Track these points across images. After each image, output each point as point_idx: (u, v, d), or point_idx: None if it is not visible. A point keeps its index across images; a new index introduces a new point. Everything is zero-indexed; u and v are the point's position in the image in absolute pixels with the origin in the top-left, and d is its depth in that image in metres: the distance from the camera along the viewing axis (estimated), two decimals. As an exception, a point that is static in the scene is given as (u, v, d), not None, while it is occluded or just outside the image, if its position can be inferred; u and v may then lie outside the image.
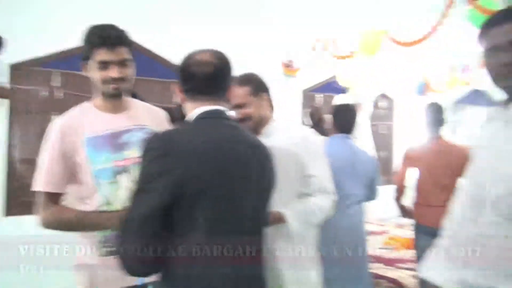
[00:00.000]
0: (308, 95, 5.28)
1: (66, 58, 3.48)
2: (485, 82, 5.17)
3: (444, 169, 2.48)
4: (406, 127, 5.95)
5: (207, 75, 1.14)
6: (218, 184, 1.04)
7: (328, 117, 2.75)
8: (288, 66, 4.51)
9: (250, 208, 1.13)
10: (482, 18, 2.62)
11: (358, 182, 2.39)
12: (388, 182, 4.74)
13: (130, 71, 1.42)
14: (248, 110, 1.58)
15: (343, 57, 3.85)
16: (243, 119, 1.57)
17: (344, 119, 2.48)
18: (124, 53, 1.39)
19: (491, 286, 1.07)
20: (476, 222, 1.17)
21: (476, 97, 6.06)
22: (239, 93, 1.57)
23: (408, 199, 2.79)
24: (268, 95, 1.67)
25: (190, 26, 3.87)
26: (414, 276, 2.97)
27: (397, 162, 5.90)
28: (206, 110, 1.15)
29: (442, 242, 1.30)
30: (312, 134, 1.71)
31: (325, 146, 2.34)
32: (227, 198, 1.07)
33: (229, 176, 1.07)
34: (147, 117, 1.51)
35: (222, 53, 1.20)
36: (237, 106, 1.57)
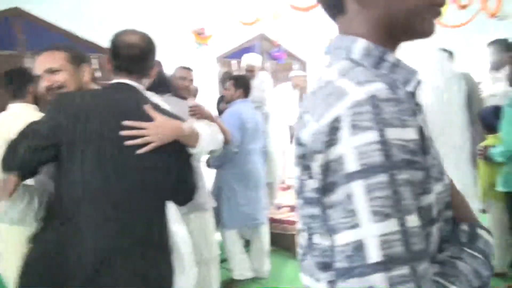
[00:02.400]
0: (224, 61, 5.41)
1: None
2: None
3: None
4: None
5: (133, 57, 1.32)
6: (90, 139, 1.18)
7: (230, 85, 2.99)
8: (199, 34, 4.58)
9: (128, 169, 1.22)
10: None
11: (259, 137, 2.90)
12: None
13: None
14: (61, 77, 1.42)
15: (250, 24, 4.01)
16: (56, 87, 1.41)
17: (244, 85, 2.88)
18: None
19: None
20: None
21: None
22: (54, 57, 1.42)
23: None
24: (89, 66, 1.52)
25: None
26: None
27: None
28: (116, 82, 1.34)
29: None
30: None
31: (233, 109, 2.64)
32: (98, 154, 1.19)
33: (103, 134, 1.20)
34: None
35: (149, 36, 1.38)
36: (50, 71, 1.40)
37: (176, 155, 1.33)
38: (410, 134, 0.52)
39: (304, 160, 0.60)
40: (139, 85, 1.38)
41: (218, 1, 4.24)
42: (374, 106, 0.52)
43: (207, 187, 2.34)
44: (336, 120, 0.53)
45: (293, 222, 3.64)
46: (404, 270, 0.49)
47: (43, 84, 1.41)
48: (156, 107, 1.35)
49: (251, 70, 3.71)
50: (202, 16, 4.41)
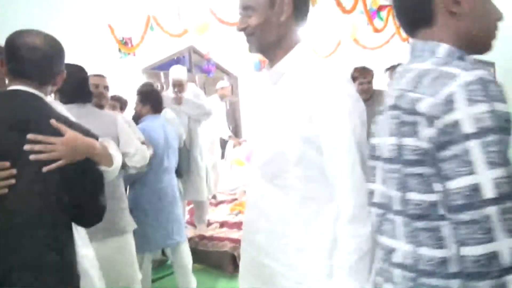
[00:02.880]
0: (150, 73, 5.23)
1: None
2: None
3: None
4: (250, 101, 6.43)
5: (34, 61, 1.14)
6: None
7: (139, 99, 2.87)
8: (125, 43, 4.37)
9: (26, 187, 1.10)
10: None
11: (172, 154, 2.82)
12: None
13: None
14: None
15: (178, 36, 3.92)
16: None
17: (152, 100, 2.81)
18: None
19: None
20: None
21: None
22: None
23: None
24: None
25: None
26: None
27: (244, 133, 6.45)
28: (13, 89, 1.16)
29: None
30: None
31: (140, 127, 2.58)
32: None
33: None
34: None
35: (55, 38, 1.19)
36: None
37: (83, 173, 1.21)
38: (507, 108, 0.72)
39: (413, 127, 0.78)
40: (40, 93, 1.21)
41: (145, 10, 4.09)
42: (483, 85, 0.72)
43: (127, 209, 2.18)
44: (451, 94, 0.73)
45: (223, 239, 3.56)
46: (511, 204, 0.70)
47: None
48: (65, 120, 1.22)
49: (179, 84, 3.60)
50: (128, 25, 4.23)
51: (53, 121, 1.15)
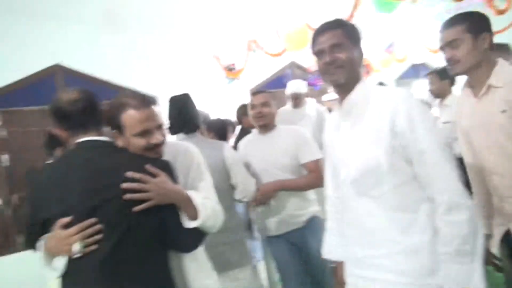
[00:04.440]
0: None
1: (3, 96, 3.51)
2: (421, 55, 5.50)
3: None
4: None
5: (80, 111, 1.24)
6: (55, 211, 1.18)
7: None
8: (230, 69, 4.65)
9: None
10: (389, 4, 2.84)
11: None
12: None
13: None
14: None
15: (278, 55, 4.01)
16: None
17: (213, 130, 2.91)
18: None
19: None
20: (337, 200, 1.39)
21: (416, 71, 6.40)
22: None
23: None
24: None
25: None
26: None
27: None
28: (81, 141, 1.26)
29: (329, 224, 1.49)
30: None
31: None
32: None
33: (73, 202, 1.17)
34: None
35: (84, 90, 1.29)
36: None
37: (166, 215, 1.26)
38: None
39: None
40: (106, 138, 1.29)
41: (245, 36, 4.31)
42: None
43: None
44: None
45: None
46: None
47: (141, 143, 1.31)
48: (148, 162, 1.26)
49: (296, 98, 3.63)
50: (231, 51, 4.49)
51: (148, 166, 1.21)
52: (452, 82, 3.11)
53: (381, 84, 5.04)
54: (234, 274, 1.94)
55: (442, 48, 1.51)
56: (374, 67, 5.38)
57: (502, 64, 1.46)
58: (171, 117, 1.99)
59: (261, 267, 2.64)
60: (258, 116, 2.13)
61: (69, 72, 3.88)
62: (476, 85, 1.50)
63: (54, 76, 3.82)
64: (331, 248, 1.46)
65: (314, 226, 2.09)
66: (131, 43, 4.12)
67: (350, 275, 1.30)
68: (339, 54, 1.21)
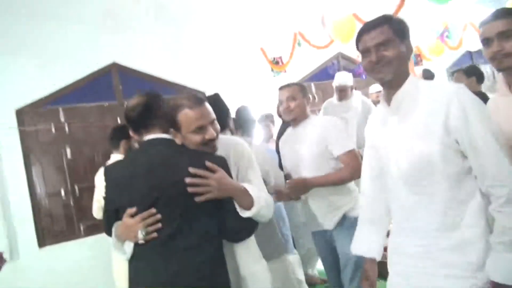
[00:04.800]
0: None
1: (65, 95, 3.76)
2: (473, 43, 5.20)
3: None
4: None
5: (137, 116, 1.39)
6: (124, 202, 1.33)
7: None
8: (277, 62, 4.67)
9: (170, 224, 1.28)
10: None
11: None
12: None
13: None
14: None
15: (325, 47, 3.98)
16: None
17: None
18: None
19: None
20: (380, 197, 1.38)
21: (468, 59, 6.07)
22: None
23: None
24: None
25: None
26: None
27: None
28: (148, 139, 1.40)
29: (361, 219, 1.48)
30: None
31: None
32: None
33: (138, 194, 1.31)
34: None
35: (150, 94, 1.43)
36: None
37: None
38: None
39: None
40: (168, 135, 1.41)
41: (291, 28, 4.30)
42: None
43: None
44: None
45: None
46: None
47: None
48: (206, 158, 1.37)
49: (342, 90, 3.60)
50: (277, 44, 4.50)
51: (208, 163, 1.32)
52: (479, 80, 2.94)
53: (426, 71, 4.83)
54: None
55: (487, 39, 1.37)
56: (426, 55, 5.18)
57: None
58: None
59: (295, 260, 2.66)
60: (286, 112, 2.11)
61: (124, 70, 4.09)
62: None
63: (111, 73, 4.04)
64: (361, 244, 1.45)
65: (344, 226, 2.03)
66: (178, 38, 4.24)
67: (397, 263, 1.29)
68: (386, 52, 1.20)
